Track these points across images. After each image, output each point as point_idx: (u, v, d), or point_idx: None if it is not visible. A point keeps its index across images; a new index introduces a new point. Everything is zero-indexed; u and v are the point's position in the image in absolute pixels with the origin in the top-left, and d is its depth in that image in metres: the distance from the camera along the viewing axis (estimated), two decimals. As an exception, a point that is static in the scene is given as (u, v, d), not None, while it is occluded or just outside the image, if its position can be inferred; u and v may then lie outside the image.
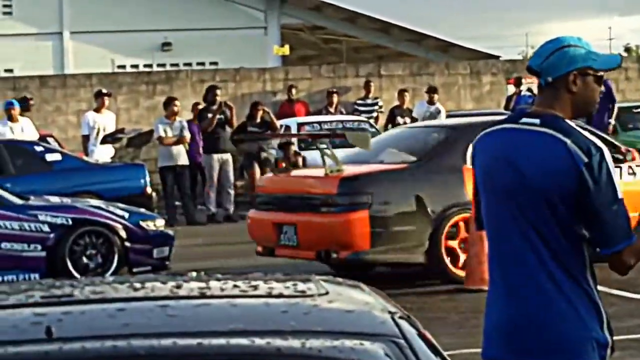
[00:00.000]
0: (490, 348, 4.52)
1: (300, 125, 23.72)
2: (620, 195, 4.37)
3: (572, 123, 4.45)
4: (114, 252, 14.01)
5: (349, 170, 13.53)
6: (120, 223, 14.13)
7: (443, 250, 13.34)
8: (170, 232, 14.79)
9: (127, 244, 14.08)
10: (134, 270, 13.98)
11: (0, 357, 2.60)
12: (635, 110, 26.93)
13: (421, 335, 2.88)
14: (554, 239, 4.40)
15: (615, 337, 4.45)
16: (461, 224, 13.55)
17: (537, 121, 4.44)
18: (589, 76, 4.42)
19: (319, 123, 24.13)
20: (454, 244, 13.42)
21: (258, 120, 22.13)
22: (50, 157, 18.34)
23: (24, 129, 20.66)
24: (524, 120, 4.51)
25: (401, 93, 25.61)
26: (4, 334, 2.72)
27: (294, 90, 26.24)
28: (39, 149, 18.71)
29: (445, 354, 2.91)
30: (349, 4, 34.85)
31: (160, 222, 14.75)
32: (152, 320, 2.86)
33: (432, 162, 13.80)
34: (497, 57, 31.89)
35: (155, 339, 2.67)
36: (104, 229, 14.06)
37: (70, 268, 13.62)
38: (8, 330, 2.75)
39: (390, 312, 2.97)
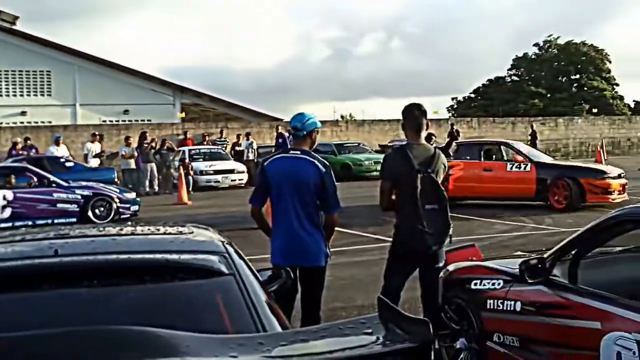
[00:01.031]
0: (275, 258, 4.86)
1: (190, 150, 24.47)
2: (336, 187, 4.77)
3: (312, 152, 4.85)
4: (112, 208, 14.30)
5: None
6: (115, 194, 14.58)
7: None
8: (138, 198, 15.29)
9: (119, 204, 14.47)
10: (122, 217, 14.33)
11: (32, 265, 2.61)
12: (345, 145, 27.99)
13: (236, 252, 2.89)
14: (308, 208, 4.82)
15: (335, 251, 4.69)
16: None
17: (299, 152, 4.84)
18: (317, 131, 4.94)
19: (199, 149, 25.19)
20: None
21: (165, 147, 23.79)
22: (68, 164, 19.78)
23: (62, 151, 22.04)
24: (292, 152, 4.86)
25: (238, 136, 27.68)
26: (33, 252, 2.72)
27: (187, 134, 27.77)
28: (63, 160, 20.17)
29: (247, 259, 2.90)
30: (218, 94, 35.22)
31: (133, 194, 15.30)
32: (108, 246, 2.86)
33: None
34: (282, 120, 31.49)
35: (109, 255, 2.69)
36: (107, 197, 14.40)
37: (91, 216, 14.04)
38: (34, 252, 2.73)
39: (222, 241, 2.97)
